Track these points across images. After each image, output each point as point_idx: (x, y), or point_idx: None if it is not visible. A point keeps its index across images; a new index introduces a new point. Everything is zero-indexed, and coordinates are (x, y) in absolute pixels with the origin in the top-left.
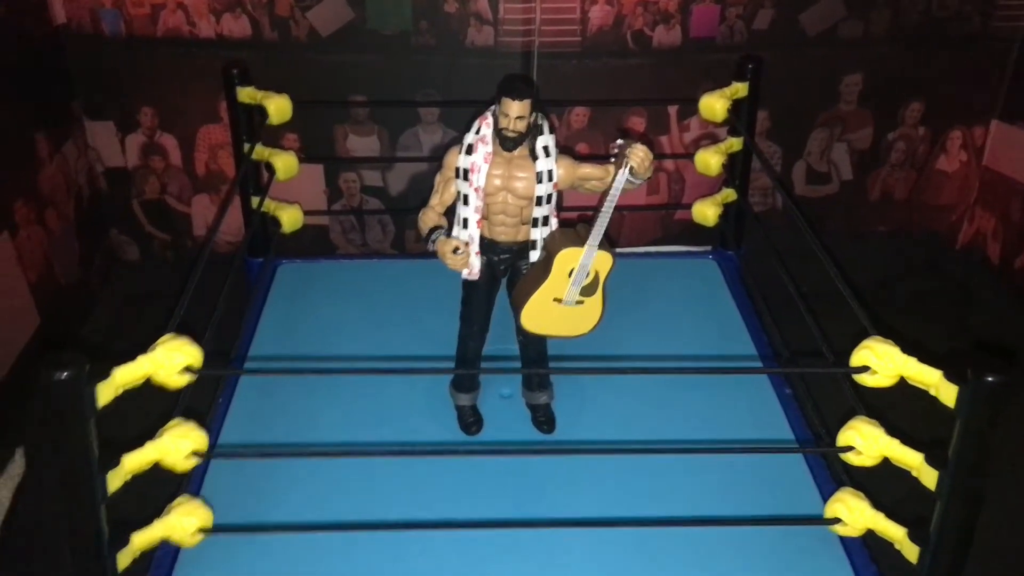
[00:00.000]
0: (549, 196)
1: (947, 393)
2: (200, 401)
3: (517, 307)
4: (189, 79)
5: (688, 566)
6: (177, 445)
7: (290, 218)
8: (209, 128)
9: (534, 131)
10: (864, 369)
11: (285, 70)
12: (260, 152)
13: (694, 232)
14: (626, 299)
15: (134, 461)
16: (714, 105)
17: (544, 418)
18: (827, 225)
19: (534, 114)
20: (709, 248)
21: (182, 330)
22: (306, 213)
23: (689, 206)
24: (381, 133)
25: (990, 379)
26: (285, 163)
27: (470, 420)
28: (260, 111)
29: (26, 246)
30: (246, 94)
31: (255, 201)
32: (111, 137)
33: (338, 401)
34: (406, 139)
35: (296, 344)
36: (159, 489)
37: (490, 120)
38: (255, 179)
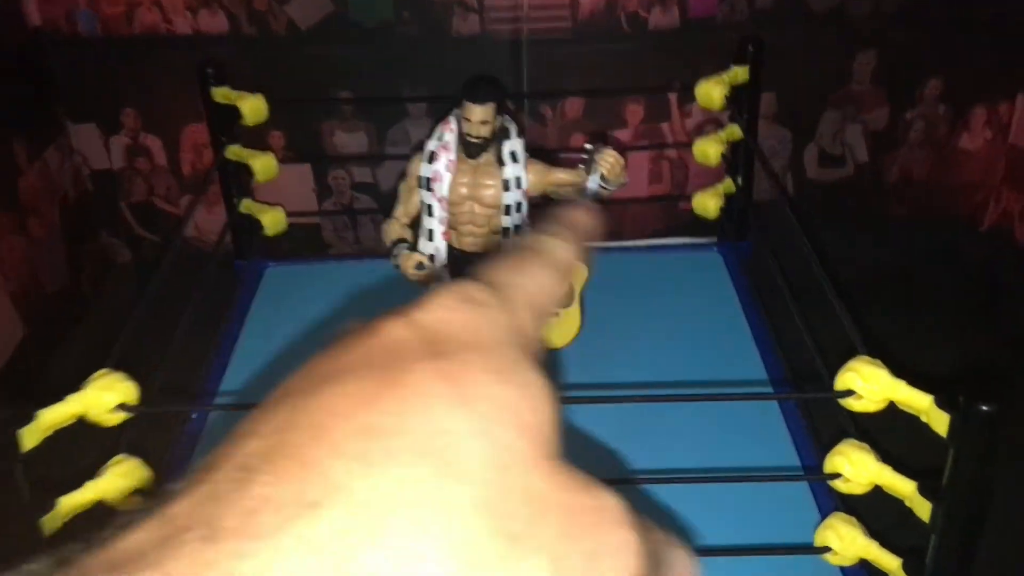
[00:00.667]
0: (518, 204)
1: (939, 420)
2: (166, 428)
3: None
4: (169, 78)
5: None
6: (116, 484)
7: (272, 220)
8: (193, 127)
9: (500, 135)
10: (850, 393)
11: (265, 66)
12: (238, 153)
13: (700, 222)
14: (625, 297)
15: (72, 503)
16: (711, 92)
17: None
18: (842, 210)
19: (500, 118)
20: (714, 240)
21: (150, 347)
22: (292, 214)
23: (691, 197)
24: (368, 128)
25: (984, 408)
26: (263, 165)
27: None
28: (237, 111)
29: (8, 257)
30: (221, 94)
31: (236, 203)
32: (95, 140)
33: None
34: (394, 134)
35: (279, 355)
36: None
37: (453, 125)
38: (236, 180)
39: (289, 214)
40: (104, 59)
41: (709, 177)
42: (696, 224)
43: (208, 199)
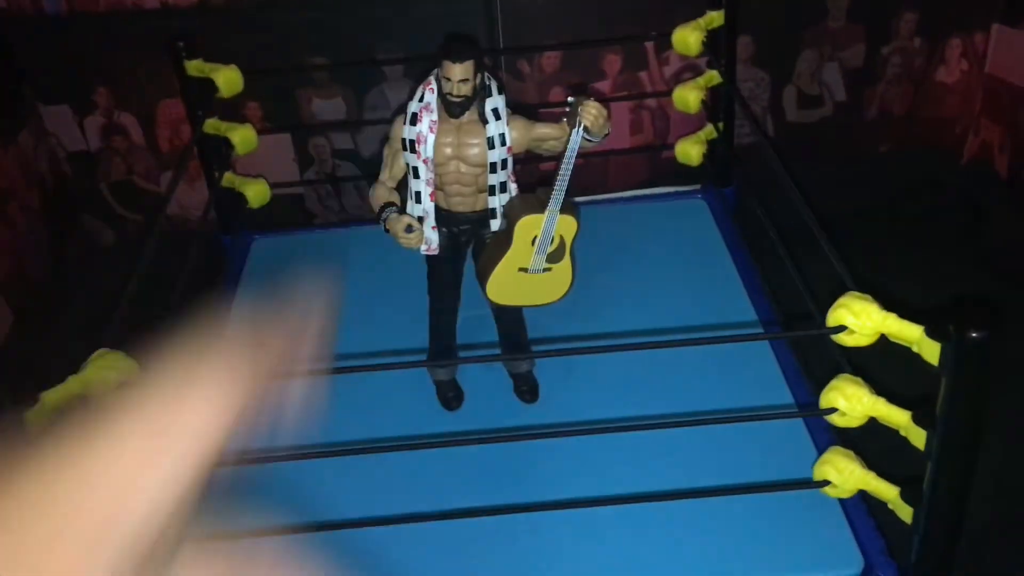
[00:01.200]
0: (504, 161)
1: (930, 351)
2: None
3: (482, 280)
4: (140, 54)
5: (682, 537)
6: (102, 376)
7: (256, 193)
8: (168, 103)
9: (482, 93)
10: (842, 328)
11: (236, 36)
12: (216, 126)
13: (684, 170)
14: (613, 248)
15: (55, 396)
16: (687, 38)
17: (526, 387)
18: (823, 149)
19: (479, 75)
20: (699, 187)
21: (142, 327)
22: (275, 185)
23: (674, 145)
24: (346, 94)
25: (974, 335)
26: (243, 137)
27: (450, 395)
28: (212, 84)
29: None
30: (194, 67)
31: (218, 178)
32: (69, 121)
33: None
34: (372, 98)
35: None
36: None
37: (434, 86)
38: (216, 154)
39: (272, 185)
40: (72, 38)
41: (690, 125)
42: (680, 172)
43: (189, 175)
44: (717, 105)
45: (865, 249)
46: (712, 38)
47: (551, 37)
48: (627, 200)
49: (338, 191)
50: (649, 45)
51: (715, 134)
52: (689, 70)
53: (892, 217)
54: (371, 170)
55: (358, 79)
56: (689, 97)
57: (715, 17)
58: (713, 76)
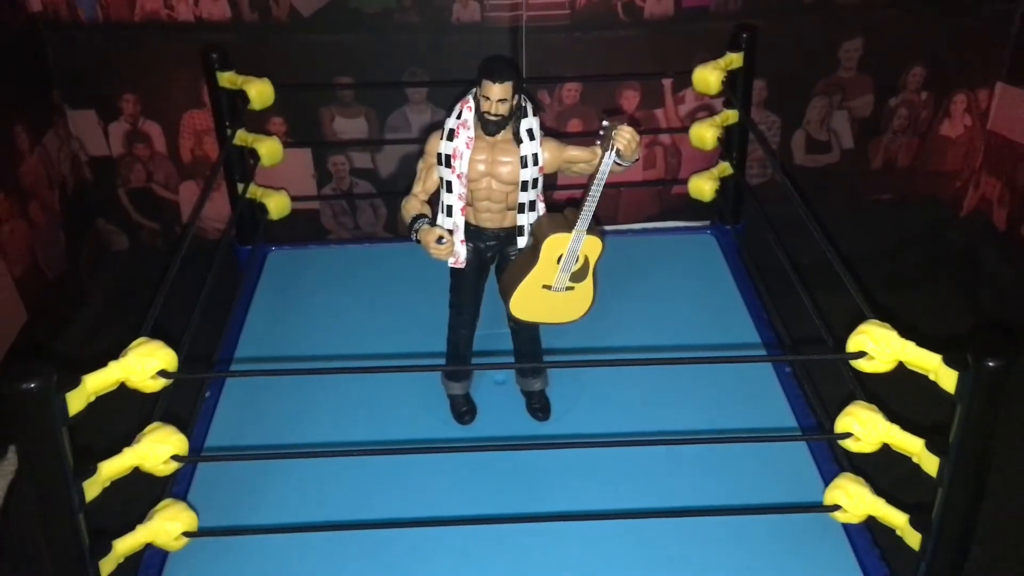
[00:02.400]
0: (535, 181)
1: (947, 378)
2: (187, 398)
3: (506, 295)
4: (170, 64)
5: (689, 556)
6: (155, 450)
7: (277, 205)
8: (193, 114)
9: (517, 114)
10: (861, 355)
11: (267, 52)
12: (243, 138)
13: (692, 206)
14: (623, 278)
15: (111, 468)
16: (708, 78)
17: (539, 405)
18: (828, 195)
19: (517, 96)
20: (707, 223)
21: (163, 328)
22: (295, 198)
23: (686, 181)
24: (369, 114)
25: (991, 364)
26: (269, 149)
27: (463, 409)
28: (242, 96)
29: (9, 240)
30: (227, 79)
31: (240, 188)
32: (93, 126)
33: (329, 394)
34: (394, 120)
35: (286, 336)
36: (151, 492)
37: (471, 104)
38: (240, 165)
39: (292, 199)
40: (105, 45)
41: (701, 163)
42: (688, 208)
43: (204, 185)
44: (731, 144)
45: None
46: (730, 79)
47: (573, 71)
48: (637, 232)
49: (353, 209)
50: (667, 83)
51: (729, 171)
52: (703, 109)
53: (891, 264)
54: (388, 190)
55: (382, 101)
56: (706, 134)
57: (734, 59)
58: (730, 115)
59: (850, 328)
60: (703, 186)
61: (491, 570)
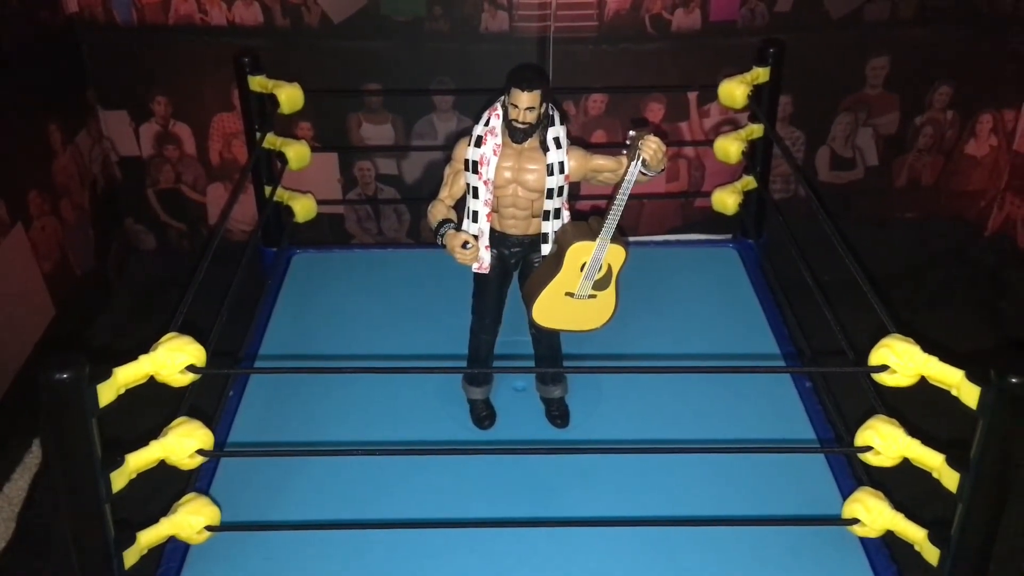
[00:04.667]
0: (560, 189)
1: (969, 394)
2: (211, 394)
3: (529, 301)
4: (202, 67)
5: (705, 566)
6: (181, 444)
7: (303, 208)
8: (223, 117)
9: (545, 122)
10: (883, 368)
11: (297, 58)
12: (272, 141)
13: (714, 220)
14: (644, 289)
15: (138, 460)
16: (734, 91)
17: (558, 412)
18: (852, 212)
19: (545, 105)
20: (729, 237)
21: (190, 325)
22: (320, 202)
23: (709, 194)
24: (395, 121)
25: (1013, 380)
26: (297, 152)
27: (483, 414)
28: (272, 100)
29: (40, 237)
30: (257, 83)
31: (268, 191)
32: (125, 126)
33: (350, 395)
34: (421, 127)
35: (309, 337)
36: (173, 485)
37: (500, 111)
38: (268, 168)
39: (317, 202)
40: (138, 47)
41: (724, 177)
42: (710, 221)
43: (230, 188)
44: (755, 158)
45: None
46: (755, 93)
47: (599, 82)
48: (659, 244)
49: (377, 214)
50: (692, 97)
51: (754, 184)
52: (727, 124)
53: (914, 283)
54: (412, 196)
55: (409, 108)
56: (731, 148)
57: (761, 73)
58: (754, 129)
59: (871, 343)
60: (727, 200)
61: (508, 573)
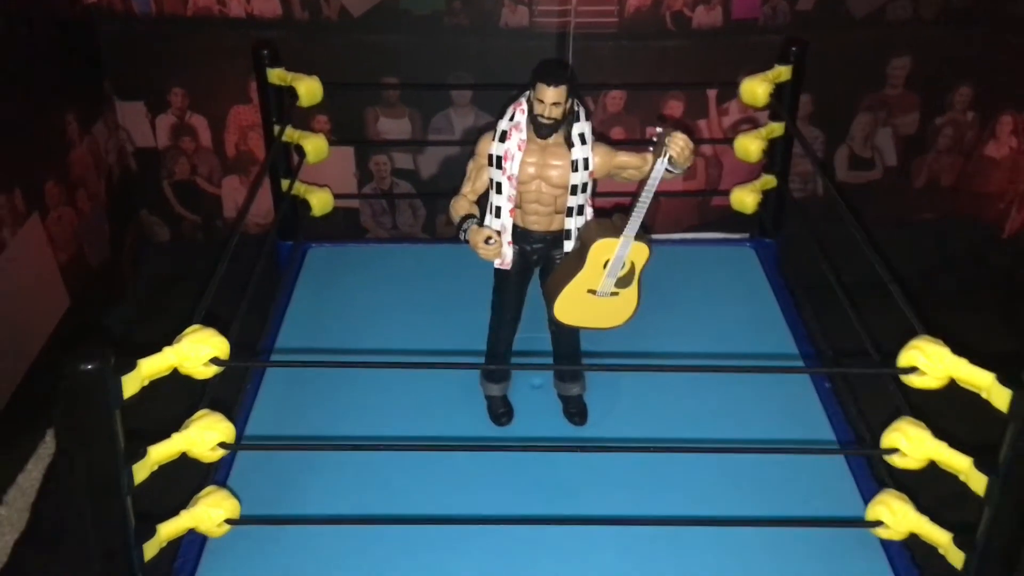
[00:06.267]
0: (584, 185)
1: (1000, 397)
2: (229, 388)
3: (550, 298)
4: (219, 59)
5: (722, 566)
6: (203, 437)
7: (320, 201)
8: (239, 109)
9: (570, 118)
10: (912, 370)
11: (316, 51)
12: (290, 134)
13: (732, 219)
14: (662, 288)
15: (160, 452)
16: (756, 89)
17: (576, 410)
18: (870, 212)
19: (570, 100)
20: (747, 235)
21: (210, 317)
22: (336, 196)
23: (727, 192)
24: (413, 115)
25: None
26: (315, 146)
27: (500, 411)
28: (290, 92)
29: (56, 227)
30: (276, 75)
31: (285, 184)
32: (141, 117)
33: (367, 390)
34: (438, 122)
35: (325, 331)
36: (187, 478)
37: (524, 106)
38: (285, 161)
39: (336, 196)
40: (156, 38)
41: (742, 175)
42: (727, 220)
43: (252, 180)
44: (775, 156)
45: (901, 315)
46: (777, 92)
47: (618, 78)
48: (676, 242)
49: (393, 209)
50: (711, 95)
51: (773, 183)
52: (747, 122)
53: (932, 284)
54: (428, 191)
55: (426, 102)
56: (751, 146)
57: (783, 71)
58: (775, 128)
59: (896, 344)
60: (745, 198)
61: (524, 570)
